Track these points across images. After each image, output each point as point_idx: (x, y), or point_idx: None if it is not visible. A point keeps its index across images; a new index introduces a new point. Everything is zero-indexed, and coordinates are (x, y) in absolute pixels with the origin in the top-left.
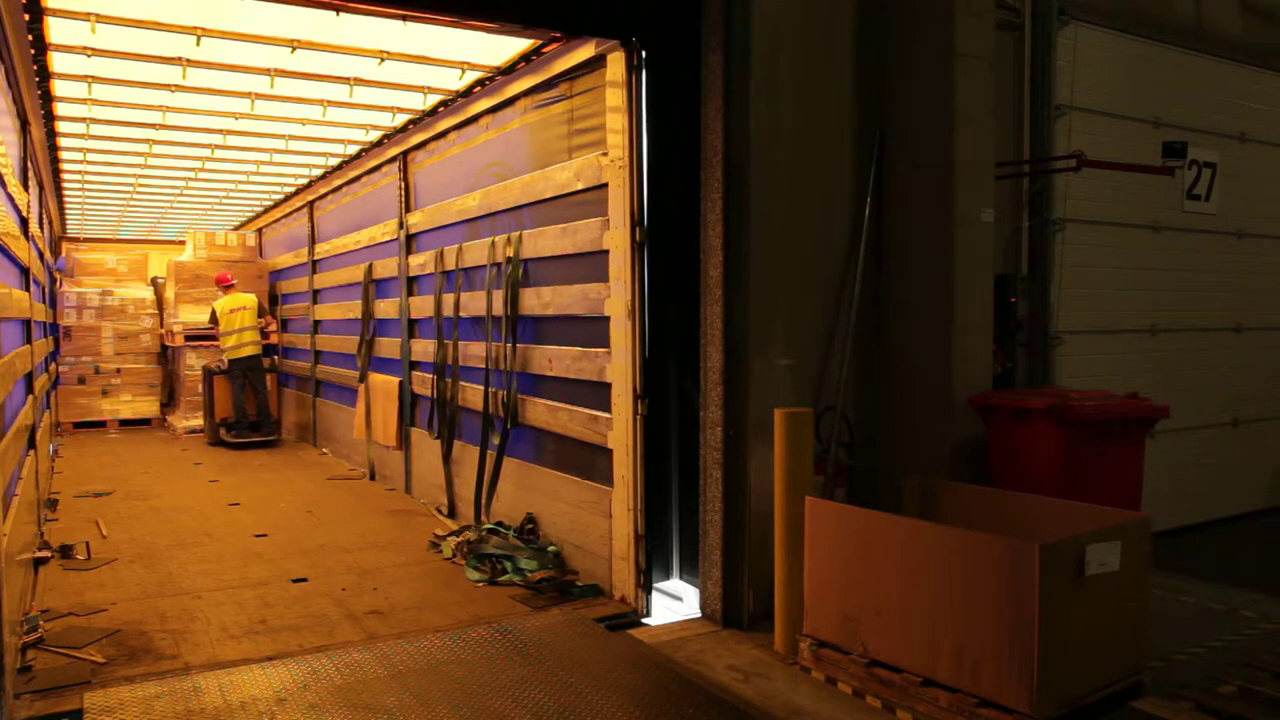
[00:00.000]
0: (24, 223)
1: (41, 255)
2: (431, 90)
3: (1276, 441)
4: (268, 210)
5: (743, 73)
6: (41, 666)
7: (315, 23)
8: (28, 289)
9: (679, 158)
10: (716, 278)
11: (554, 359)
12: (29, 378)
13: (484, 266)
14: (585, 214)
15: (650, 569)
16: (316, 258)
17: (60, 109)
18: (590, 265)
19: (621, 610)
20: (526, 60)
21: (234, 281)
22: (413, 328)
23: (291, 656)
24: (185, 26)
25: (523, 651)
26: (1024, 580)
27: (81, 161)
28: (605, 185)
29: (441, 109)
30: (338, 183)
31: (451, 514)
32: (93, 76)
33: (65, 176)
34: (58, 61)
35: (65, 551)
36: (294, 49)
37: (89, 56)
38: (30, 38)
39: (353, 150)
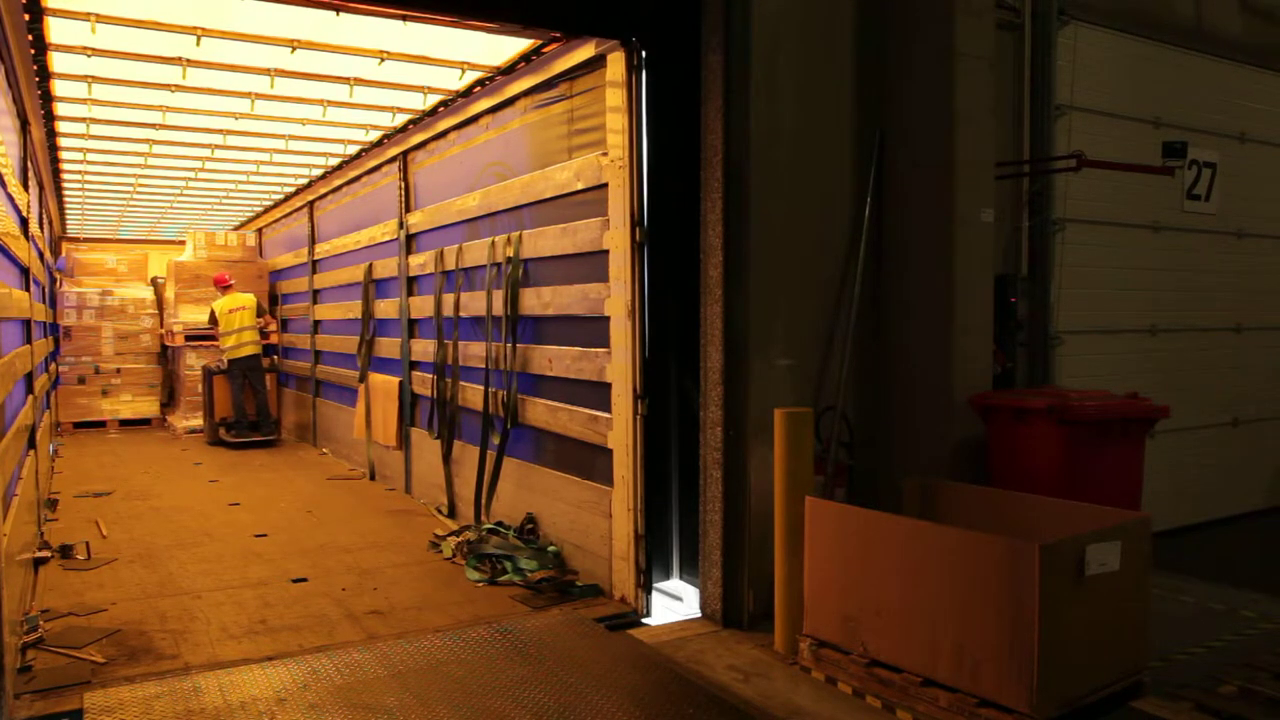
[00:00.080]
0: (24, 223)
1: (41, 255)
2: (431, 90)
3: (1276, 441)
4: (268, 210)
5: (743, 73)
6: (41, 666)
7: (315, 23)
8: (28, 289)
9: (679, 158)
10: (716, 278)
11: (554, 359)
12: (29, 378)
13: (484, 266)
14: (585, 214)
15: (650, 569)
16: (316, 258)
17: (60, 109)
18: (590, 265)
19: (621, 610)
20: (526, 60)
21: (232, 282)
22: (413, 328)
23: (291, 656)
24: (185, 26)
25: (523, 651)
26: (1024, 580)
27: (81, 161)
28: (605, 185)
29: (441, 109)
30: (338, 183)
31: (451, 514)
32: (93, 76)
33: (65, 176)
34: (58, 61)
35: (65, 551)
36: (294, 49)
37: (89, 56)
38: (30, 38)
39: (353, 150)
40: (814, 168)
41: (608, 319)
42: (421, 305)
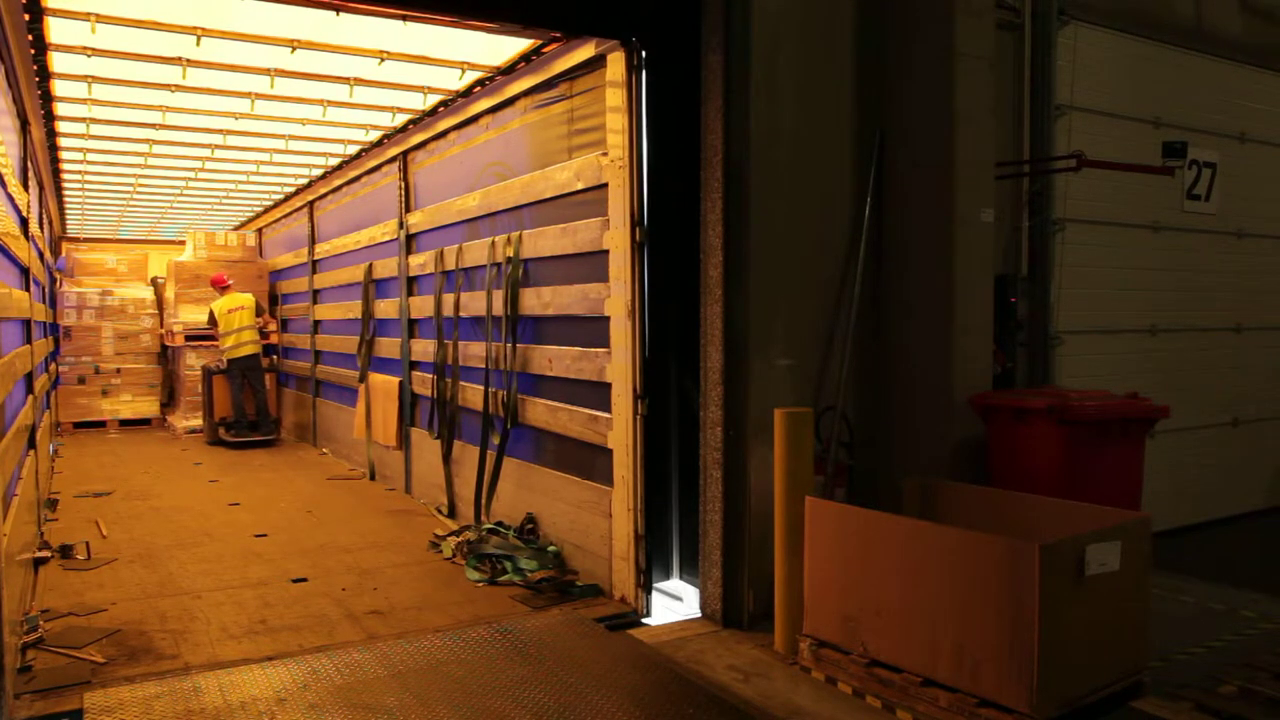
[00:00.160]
0: (24, 223)
1: (41, 255)
2: (431, 90)
3: (1276, 441)
4: (268, 210)
5: (743, 73)
6: (41, 666)
7: (315, 23)
8: (28, 289)
9: (679, 158)
10: (716, 278)
11: (554, 359)
12: (29, 378)
13: (484, 266)
14: (585, 214)
15: (650, 569)
16: (316, 258)
17: (60, 109)
18: (590, 265)
19: (621, 610)
20: (526, 60)
21: (230, 282)
22: (413, 328)
23: (291, 656)
24: (185, 26)
25: (523, 651)
26: (1024, 580)
27: (81, 161)
28: (605, 185)
29: (441, 109)
30: (338, 183)
31: (451, 514)
32: (93, 76)
33: (65, 176)
34: (58, 61)
35: (65, 551)
36: (294, 49)
37: (89, 56)
38: (30, 38)
39: (353, 150)
40: (814, 168)
41: (608, 319)
42: (421, 305)
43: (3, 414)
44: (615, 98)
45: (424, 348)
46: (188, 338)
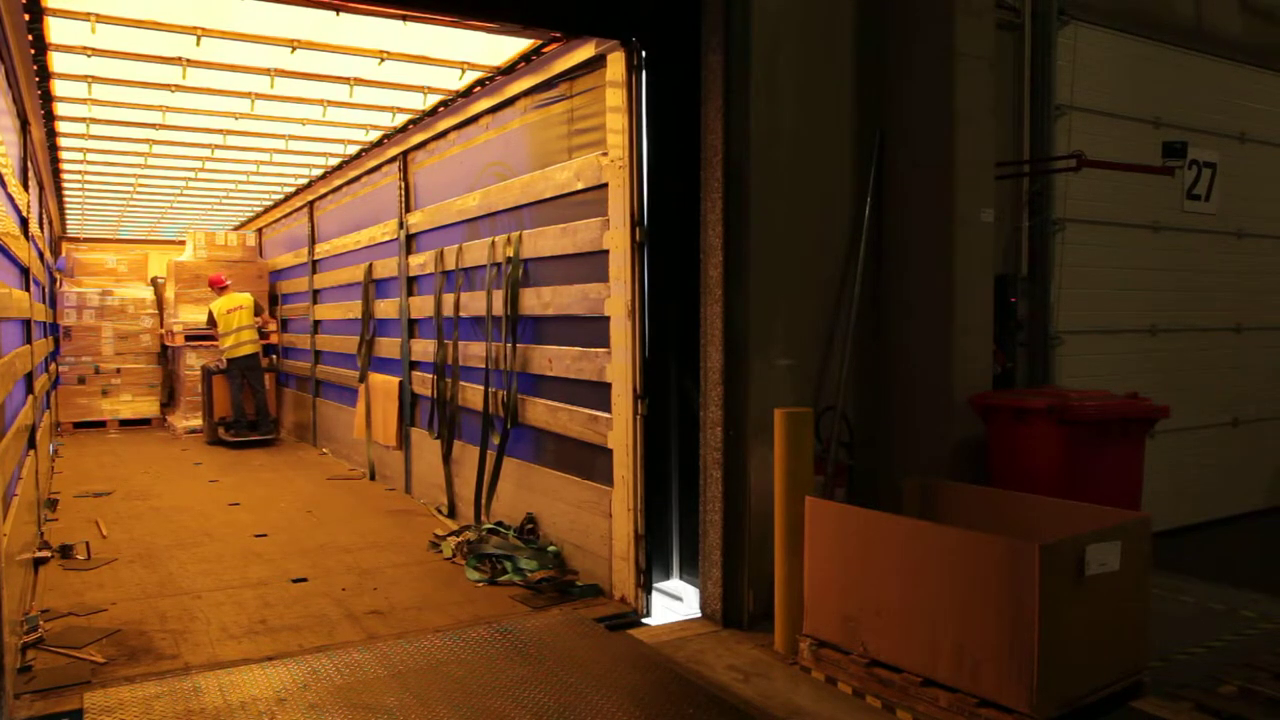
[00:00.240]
0: (24, 223)
1: (41, 255)
2: (431, 90)
3: (1276, 441)
4: (268, 210)
5: (743, 73)
6: (41, 666)
7: (315, 23)
8: (28, 289)
9: (679, 158)
10: (716, 278)
11: (554, 359)
12: (29, 378)
13: (484, 266)
14: (585, 214)
15: (650, 569)
16: (316, 258)
17: (60, 109)
18: (590, 265)
19: (621, 610)
20: (526, 60)
21: (228, 283)
22: (413, 328)
23: (291, 656)
24: (185, 26)
25: (523, 651)
26: (1024, 580)
27: (81, 161)
28: (605, 185)
29: (441, 109)
30: (338, 183)
31: (451, 514)
32: (93, 76)
33: (65, 176)
34: (58, 61)
35: (65, 551)
36: (294, 49)
37: (89, 56)
38: (30, 38)
39: (353, 150)
40: (814, 168)
41: (608, 319)
42: (421, 305)
43: (3, 414)
44: (615, 98)
45: (424, 348)
46: (188, 338)
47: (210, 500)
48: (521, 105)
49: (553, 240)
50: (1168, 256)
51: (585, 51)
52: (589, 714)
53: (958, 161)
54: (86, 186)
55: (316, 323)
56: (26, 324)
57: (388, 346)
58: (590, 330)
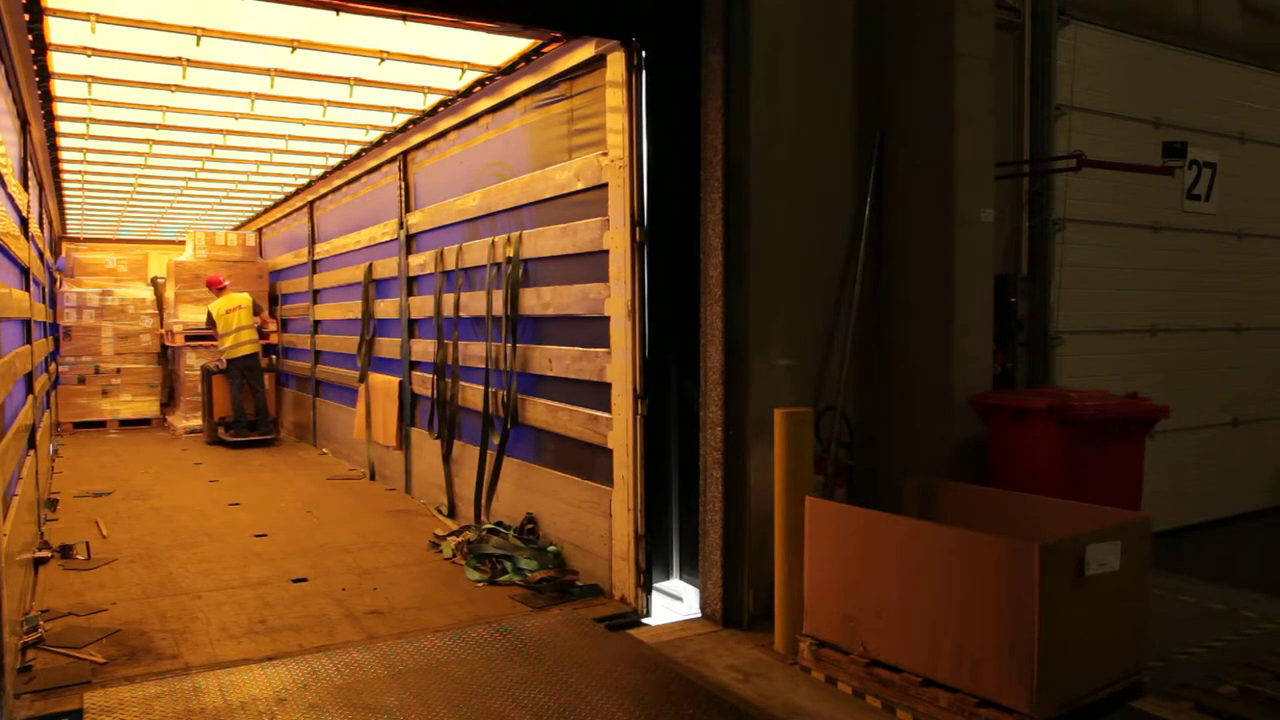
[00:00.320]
0: (24, 223)
1: (41, 255)
2: (431, 90)
3: (1276, 441)
4: (268, 210)
5: (743, 73)
6: (41, 666)
7: (315, 23)
8: (28, 289)
9: (679, 158)
10: (716, 278)
11: (554, 359)
12: (29, 378)
13: (484, 266)
14: (585, 214)
15: (650, 569)
16: (316, 258)
17: (60, 109)
18: (590, 265)
19: (621, 610)
20: (526, 60)
21: (226, 283)
22: (413, 328)
23: (291, 656)
24: (185, 26)
25: (523, 651)
26: (1024, 580)
27: (81, 161)
28: (605, 185)
29: (441, 109)
30: (338, 183)
31: (451, 514)
32: (93, 76)
33: (65, 176)
34: (58, 61)
35: (65, 551)
36: (294, 49)
37: (89, 56)
38: (30, 38)
39: (353, 150)
40: (814, 168)
41: (608, 319)
42: (421, 305)
43: (3, 414)
44: (615, 98)
45: (424, 348)
46: (187, 338)
47: (210, 500)
48: (521, 105)
49: (553, 240)
50: (1168, 256)
51: (585, 51)
52: (589, 714)
53: (958, 161)
54: (86, 186)
55: (316, 323)
56: (26, 324)
57: (388, 346)
58: (590, 330)
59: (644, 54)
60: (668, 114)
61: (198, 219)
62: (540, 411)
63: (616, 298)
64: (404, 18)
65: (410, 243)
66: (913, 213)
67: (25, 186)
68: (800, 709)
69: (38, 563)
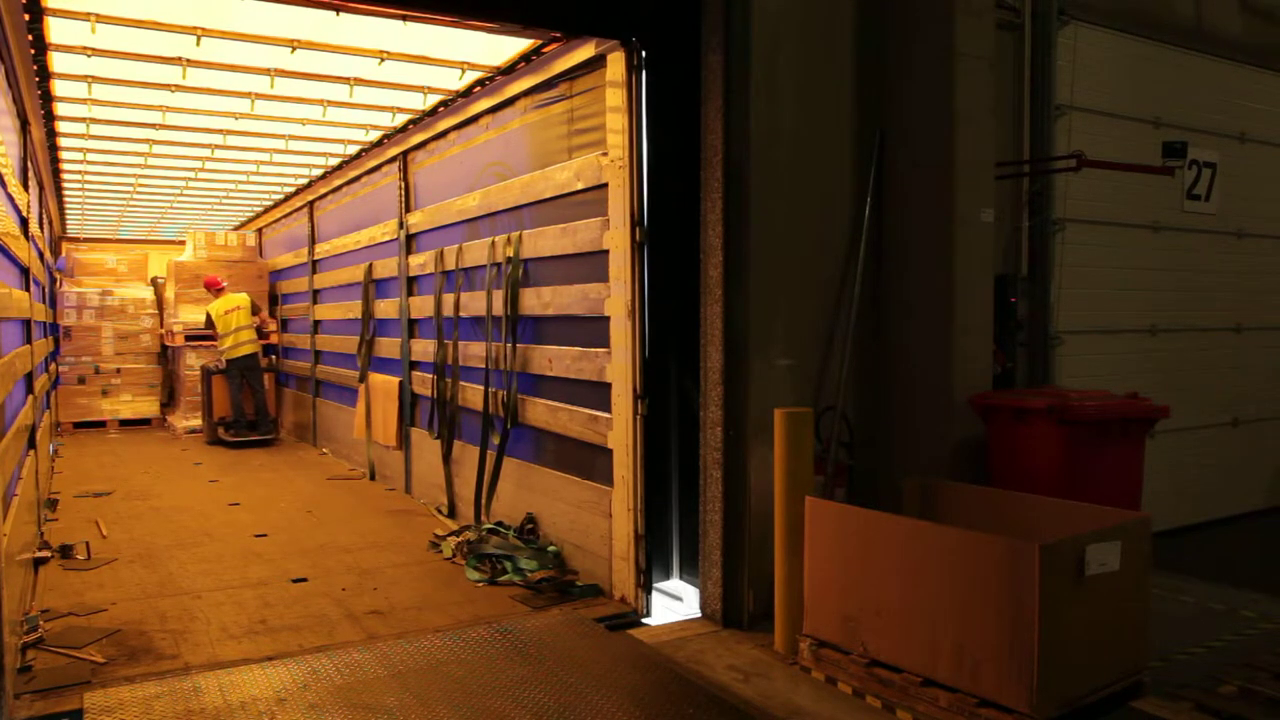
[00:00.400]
0: (24, 223)
1: (41, 255)
2: (431, 90)
3: (1276, 441)
4: (268, 210)
5: (743, 73)
6: (41, 666)
7: (315, 23)
8: (28, 289)
9: (679, 158)
10: (716, 278)
11: (554, 359)
12: (29, 378)
13: (484, 266)
14: (585, 214)
15: (650, 569)
16: (316, 258)
17: (60, 109)
18: (590, 265)
19: (621, 610)
20: (526, 60)
21: (224, 284)
22: (413, 328)
23: (291, 656)
24: (185, 26)
25: (523, 651)
26: (1024, 580)
27: (81, 161)
28: (605, 185)
29: (441, 109)
30: (338, 183)
31: (451, 514)
32: (93, 76)
33: (65, 176)
34: (58, 61)
35: (65, 551)
36: (294, 49)
37: (89, 56)
38: (30, 38)
39: (353, 150)
40: (814, 168)
41: (608, 319)
42: (421, 305)
43: (3, 414)
44: (615, 98)
45: (424, 348)
46: (187, 338)
47: (210, 500)
48: (521, 105)
49: (553, 240)
50: (1168, 256)
51: (585, 51)
52: (589, 714)
53: (958, 161)
54: (86, 186)
55: (316, 323)
56: (26, 324)
57: (388, 346)
58: (590, 330)
59: (644, 54)
60: (668, 114)
61: (198, 219)
62: (540, 411)
63: (616, 298)
64: (404, 18)
65: (410, 243)
66: (913, 213)
67: (25, 186)
68: (800, 709)
69: (38, 563)
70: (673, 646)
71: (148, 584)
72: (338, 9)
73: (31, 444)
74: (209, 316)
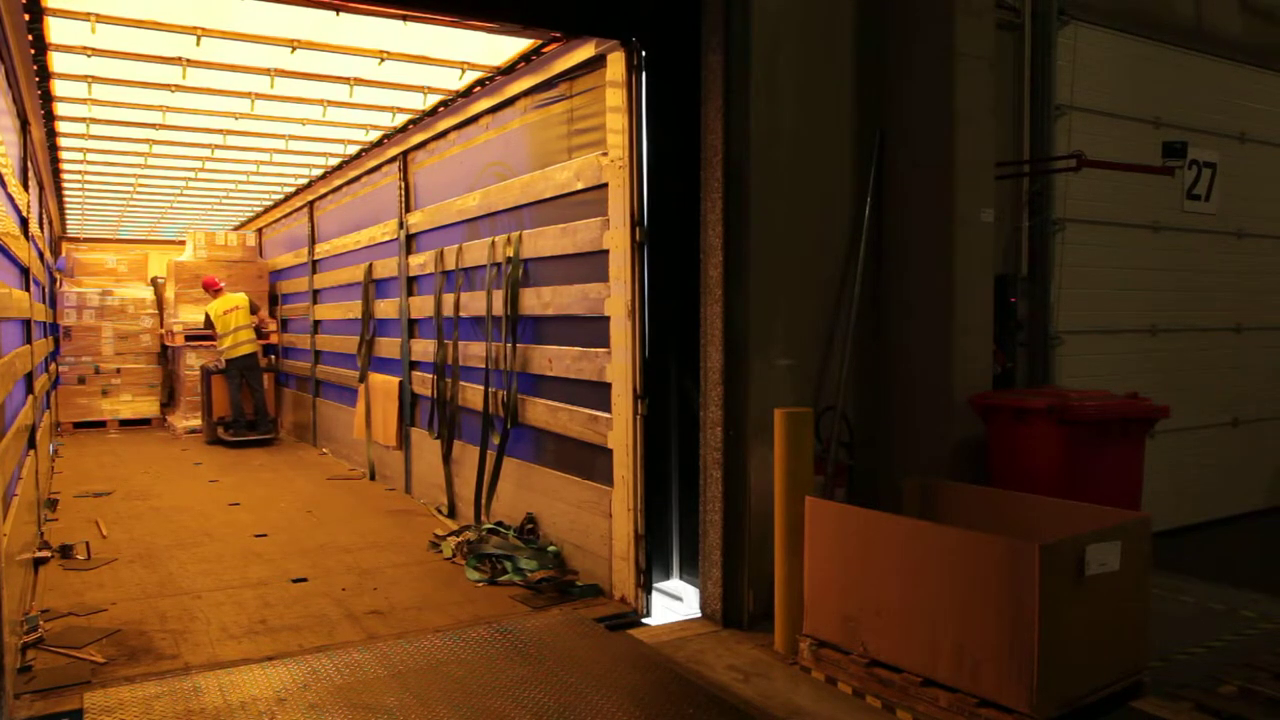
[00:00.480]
0: (24, 223)
1: (41, 255)
2: (431, 90)
3: (1276, 441)
4: (268, 210)
5: (743, 73)
6: (41, 666)
7: (315, 23)
8: (28, 289)
9: (679, 158)
10: (716, 278)
11: (554, 359)
12: (29, 378)
13: (484, 266)
14: (585, 214)
15: (650, 569)
16: (316, 258)
17: (60, 109)
18: (590, 265)
19: (621, 610)
20: (526, 60)
21: (222, 285)
22: (413, 328)
23: (291, 656)
24: (185, 26)
25: (523, 651)
26: (1024, 580)
27: (81, 161)
28: (605, 185)
29: (441, 109)
30: (338, 183)
31: (451, 514)
32: (93, 76)
33: (65, 176)
34: (58, 61)
35: (65, 551)
36: (294, 49)
37: (89, 56)
38: (30, 38)
39: (353, 150)
40: (814, 168)
41: (608, 319)
42: (421, 305)
43: (3, 414)
44: (615, 98)
45: (424, 348)
46: (187, 338)
47: (210, 500)
48: (521, 105)
49: (553, 240)
50: (1168, 256)
51: (585, 51)
52: (589, 714)
53: (958, 161)
54: (86, 186)
55: (316, 323)
56: (26, 324)
57: (388, 346)
58: (590, 330)
59: (644, 54)
60: (668, 114)
61: (198, 219)
62: (540, 411)
63: (616, 298)
64: (404, 18)
65: (410, 243)
66: (913, 213)
67: (25, 186)
68: (800, 709)
69: (38, 563)
70: (673, 646)
71: (148, 584)
72: (338, 9)
73: (31, 444)
74: (208, 317)
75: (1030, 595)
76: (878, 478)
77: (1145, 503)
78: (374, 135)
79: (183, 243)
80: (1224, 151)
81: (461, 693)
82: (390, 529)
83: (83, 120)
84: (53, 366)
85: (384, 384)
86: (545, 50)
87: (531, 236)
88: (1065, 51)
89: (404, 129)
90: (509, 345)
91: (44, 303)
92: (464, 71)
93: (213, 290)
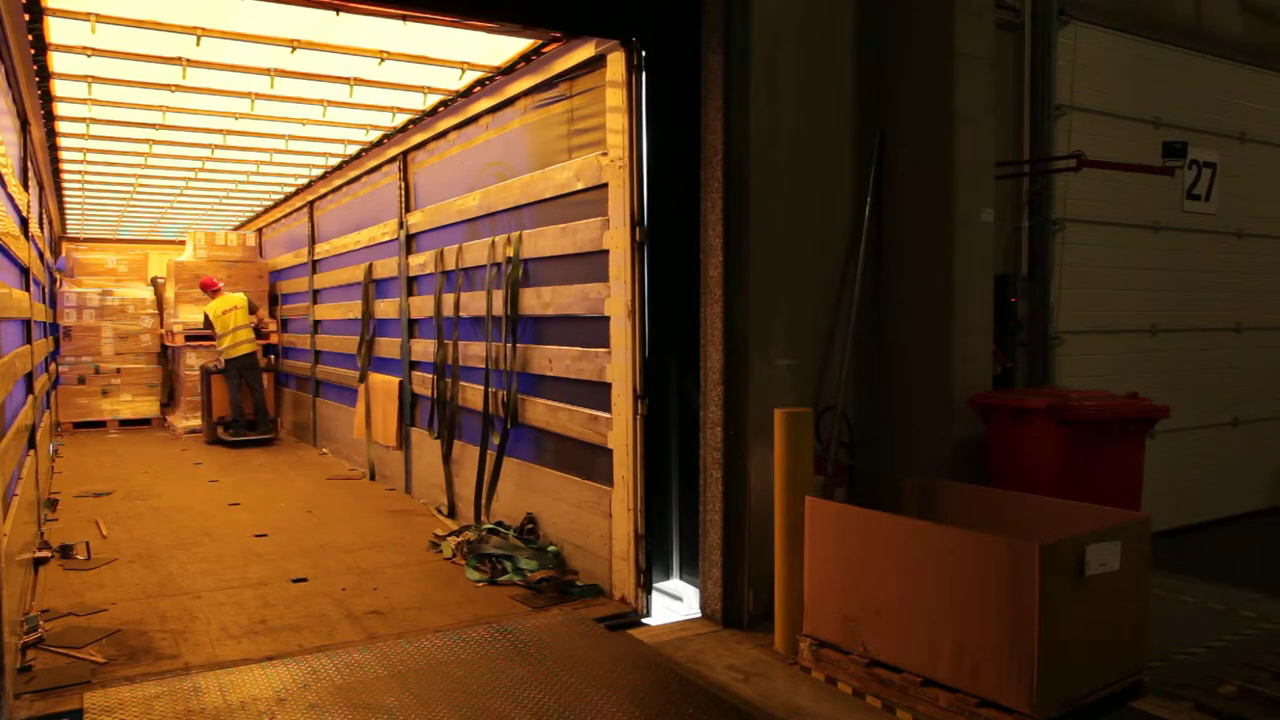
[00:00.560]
0: (24, 223)
1: (41, 255)
2: (431, 90)
3: (1276, 441)
4: (268, 210)
5: (743, 73)
6: (41, 666)
7: (315, 23)
8: (28, 289)
9: (679, 158)
10: (716, 278)
11: (554, 359)
12: (29, 378)
13: (484, 266)
14: (585, 214)
15: (650, 569)
16: (316, 258)
17: (60, 109)
18: (590, 265)
19: (621, 610)
20: (526, 60)
21: (221, 285)
22: (413, 328)
23: (291, 656)
24: (185, 26)
25: (523, 651)
26: (1024, 580)
27: (81, 161)
28: (605, 185)
29: (441, 109)
30: (338, 183)
31: (451, 514)
32: (93, 76)
33: (65, 176)
34: (58, 61)
35: (65, 551)
36: (294, 49)
37: (89, 56)
38: (30, 38)
39: (353, 150)
40: (814, 168)
41: (608, 319)
42: (421, 305)
43: (3, 414)
44: (615, 98)
45: (424, 348)
46: (187, 338)
47: (210, 500)
48: (521, 105)
49: (553, 240)
50: (1168, 256)
51: (585, 51)
52: (589, 714)
53: (958, 161)
54: (86, 186)
55: (316, 323)
56: (26, 324)
57: (388, 346)
58: (590, 330)
59: (644, 54)
60: (668, 114)
61: (198, 219)
62: (540, 411)
63: (616, 298)
64: (404, 18)
65: (410, 243)
66: (913, 213)
67: (25, 186)
68: (800, 709)
69: (38, 563)
70: (673, 646)
71: (148, 584)
72: (338, 9)
73: (31, 444)
74: (207, 317)
75: (1030, 595)
76: (878, 478)
77: (1145, 503)
78: (374, 135)
79: (183, 243)
80: (1224, 151)
81: (461, 693)
82: (390, 529)
83: (83, 120)
84: (53, 366)
85: (384, 384)
86: (545, 50)
87: (531, 236)
88: (1065, 51)
89: (404, 129)
90: (509, 345)
91: (44, 303)
92: (464, 71)
93: (210, 291)
